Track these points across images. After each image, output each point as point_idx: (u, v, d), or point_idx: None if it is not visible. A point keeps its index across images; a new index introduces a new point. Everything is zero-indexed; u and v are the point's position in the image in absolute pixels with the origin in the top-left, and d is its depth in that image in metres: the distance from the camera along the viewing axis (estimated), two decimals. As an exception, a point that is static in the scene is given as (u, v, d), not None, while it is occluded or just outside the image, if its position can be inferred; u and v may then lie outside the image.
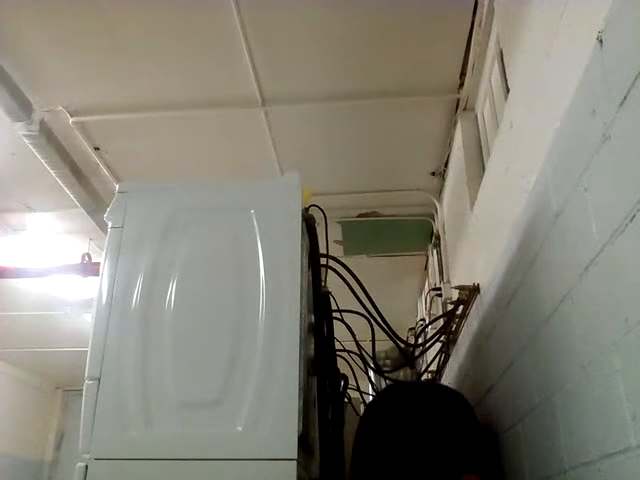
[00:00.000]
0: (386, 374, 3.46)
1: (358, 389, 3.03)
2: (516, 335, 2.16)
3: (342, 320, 2.72)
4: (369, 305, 2.66)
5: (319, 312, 2.05)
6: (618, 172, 1.31)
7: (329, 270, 2.43)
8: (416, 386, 2.60)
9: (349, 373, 2.86)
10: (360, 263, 5.23)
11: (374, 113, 3.62)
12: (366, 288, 2.66)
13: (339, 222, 4.84)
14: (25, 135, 3.42)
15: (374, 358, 3.03)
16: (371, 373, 3.23)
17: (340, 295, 2.62)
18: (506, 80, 2.59)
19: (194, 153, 4.03)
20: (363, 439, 2.18)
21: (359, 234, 5.03)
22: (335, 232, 4.87)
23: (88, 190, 4.05)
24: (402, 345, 3.03)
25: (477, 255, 3.08)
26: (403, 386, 2.87)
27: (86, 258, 3.35)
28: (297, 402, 1.56)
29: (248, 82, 3.30)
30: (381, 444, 2.11)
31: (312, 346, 2.05)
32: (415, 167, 4.21)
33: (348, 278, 2.58)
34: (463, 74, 3.29)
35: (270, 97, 3.45)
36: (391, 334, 2.73)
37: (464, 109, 3.52)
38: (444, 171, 4.17)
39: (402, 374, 3.80)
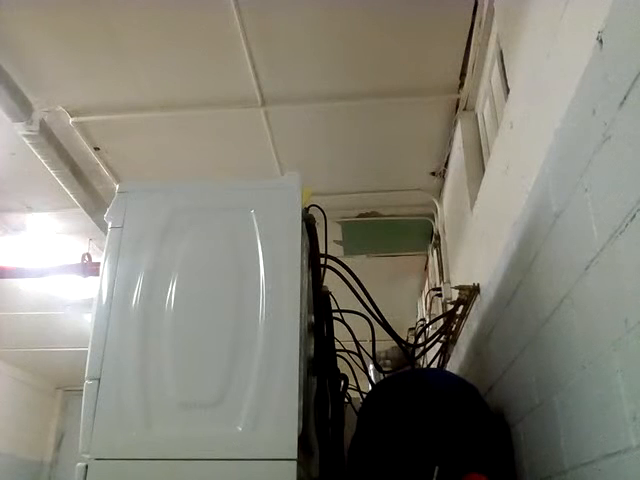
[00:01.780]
0: (386, 374, 3.46)
1: (358, 389, 3.02)
2: (516, 335, 2.16)
3: (342, 320, 2.72)
4: (369, 305, 2.66)
5: (319, 312, 2.05)
6: (618, 172, 1.31)
7: (329, 270, 2.42)
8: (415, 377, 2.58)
9: (349, 373, 2.86)
10: (360, 263, 5.23)
11: (374, 113, 3.62)
12: (366, 288, 2.66)
13: (339, 222, 4.84)
14: (25, 135, 3.42)
15: (374, 358, 3.02)
16: (371, 373, 3.23)
17: (340, 295, 2.62)
18: (506, 80, 2.59)
19: (194, 153, 4.03)
20: (365, 427, 2.19)
21: (359, 234, 5.03)
22: (335, 232, 4.87)
23: (88, 190, 4.05)
24: (404, 346, 3.02)
25: (477, 255, 3.08)
26: (402, 376, 2.85)
27: (86, 258, 3.36)
28: (297, 402, 1.56)
29: (248, 82, 3.30)
30: (382, 435, 2.12)
31: (312, 346, 2.05)
32: (415, 167, 4.21)
33: (348, 277, 2.58)
34: (463, 74, 3.29)
35: (270, 97, 3.45)
36: (393, 334, 2.73)
37: (464, 109, 3.52)
38: (444, 171, 4.17)
39: (402, 374, 3.80)
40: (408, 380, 2.44)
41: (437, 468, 1.95)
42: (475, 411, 2.17)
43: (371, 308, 2.65)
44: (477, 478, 1.94)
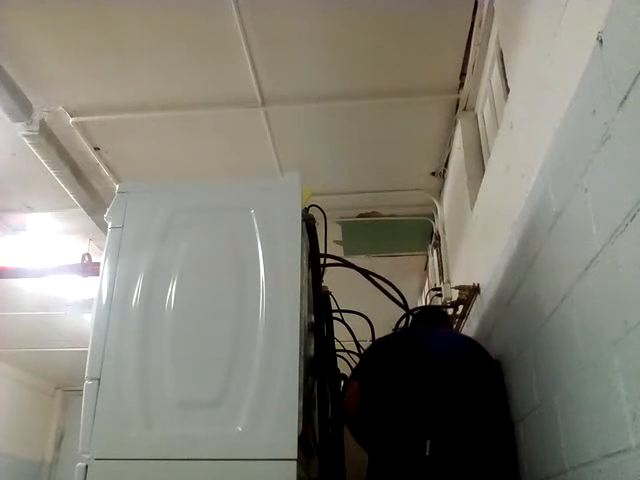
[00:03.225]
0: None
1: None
2: (516, 335, 2.16)
3: (342, 320, 2.72)
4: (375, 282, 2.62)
5: (319, 312, 2.05)
6: (618, 172, 1.31)
7: (329, 270, 2.42)
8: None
9: (349, 373, 2.86)
10: (360, 263, 5.19)
11: (374, 113, 3.62)
12: (366, 287, 2.66)
13: (339, 222, 4.84)
14: (25, 135, 3.42)
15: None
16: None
17: (340, 295, 2.61)
18: (506, 80, 2.59)
19: (194, 153, 4.03)
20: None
21: (359, 234, 5.02)
22: (335, 232, 4.87)
23: (88, 190, 4.05)
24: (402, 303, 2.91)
25: (477, 255, 3.08)
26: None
27: (86, 258, 3.36)
28: (297, 402, 1.56)
29: (248, 82, 3.30)
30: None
31: (312, 346, 2.05)
32: (415, 167, 4.21)
33: (348, 276, 2.58)
34: (463, 74, 3.29)
35: (270, 97, 3.45)
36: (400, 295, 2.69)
37: (464, 109, 3.52)
38: (444, 171, 4.17)
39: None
40: (406, 345, 2.37)
41: (429, 442, 1.95)
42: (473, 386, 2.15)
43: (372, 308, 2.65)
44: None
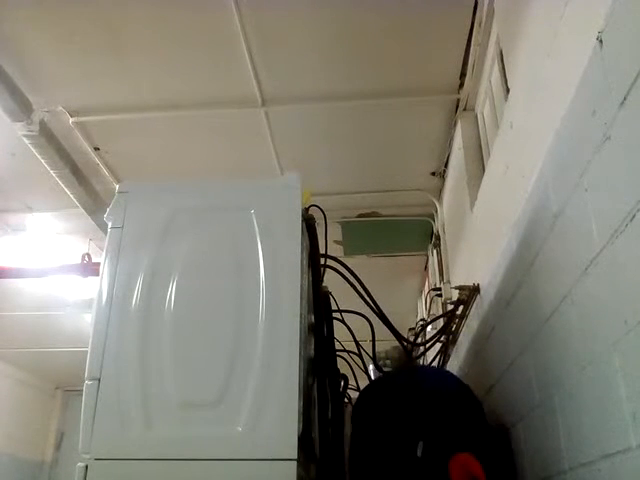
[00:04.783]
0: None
1: (358, 389, 3.02)
2: (516, 335, 2.16)
3: (342, 320, 2.71)
4: (371, 303, 2.65)
5: (319, 312, 2.05)
6: (618, 172, 1.31)
7: (329, 270, 2.42)
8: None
9: (349, 373, 2.86)
10: (360, 263, 5.22)
11: (374, 113, 3.62)
12: (367, 288, 2.66)
13: (339, 222, 4.84)
14: (25, 135, 3.42)
15: (374, 358, 3.02)
16: (371, 373, 3.22)
17: (340, 295, 2.61)
18: (506, 80, 2.59)
19: (194, 153, 4.03)
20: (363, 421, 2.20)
21: (359, 234, 5.02)
22: (335, 232, 4.87)
23: (88, 190, 4.05)
24: (405, 343, 3.01)
25: (477, 255, 3.08)
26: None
27: (86, 258, 3.36)
28: (297, 402, 1.56)
29: (248, 82, 3.30)
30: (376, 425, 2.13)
31: (312, 346, 2.05)
32: (415, 167, 4.21)
33: (348, 276, 2.58)
34: (463, 74, 3.29)
35: (270, 97, 3.45)
36: (394, 331, 2.72)
37: (464, 109, 3.52)
38: (444, 171, 4.17)
39: (402, 374, 3.78)
40: (399, 380, 2.44)
41: (421, 443, 1.95)
42: (464, 408, 2.17)
43: (373, 307, 2.65)
44: (463, 457, 1.94)
